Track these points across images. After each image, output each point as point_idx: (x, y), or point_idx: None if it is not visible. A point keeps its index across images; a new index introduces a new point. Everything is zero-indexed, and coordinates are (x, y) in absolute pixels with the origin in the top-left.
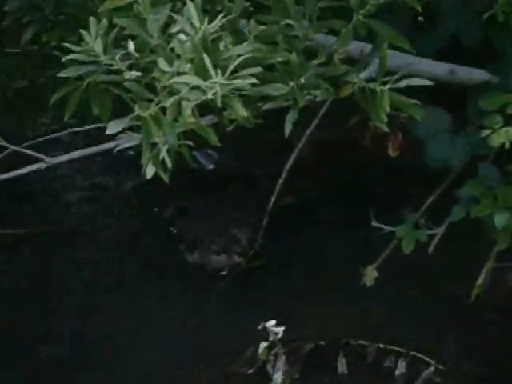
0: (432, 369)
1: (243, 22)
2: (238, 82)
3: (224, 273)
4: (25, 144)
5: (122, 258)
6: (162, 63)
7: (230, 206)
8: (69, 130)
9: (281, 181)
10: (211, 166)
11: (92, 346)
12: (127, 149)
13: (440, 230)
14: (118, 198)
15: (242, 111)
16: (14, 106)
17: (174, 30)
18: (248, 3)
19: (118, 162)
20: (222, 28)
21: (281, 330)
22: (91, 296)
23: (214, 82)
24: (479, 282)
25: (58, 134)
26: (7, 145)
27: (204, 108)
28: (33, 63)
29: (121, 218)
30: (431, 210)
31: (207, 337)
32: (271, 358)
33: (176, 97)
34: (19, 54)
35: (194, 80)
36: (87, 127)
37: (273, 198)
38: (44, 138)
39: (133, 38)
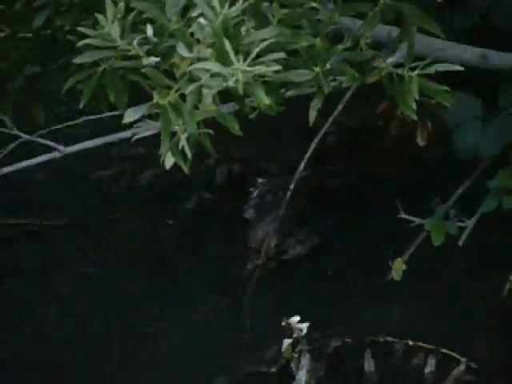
0: (463, 366)
1: (266, 5)
2: (260, 69)
3: (249, 267)
4: (38, 133)
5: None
6: (182, 48)
7: (251, 199)
8: (83, 118)
9: (300, 169)
10: None
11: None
12: (145, 138)
13: (471, 222)
14: (137, 188)
15: (264, 99)
16: (25, 93)
17: (193, 13)
18: None
19: (136, 150)
20: (244, 12)
21: (305, 326)
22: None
23: (236, 69)
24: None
25: (72, 123)
26: (20, 133)
27: (225, 95)
28: (45, 49)
29: (140, 209)
30: (462, 201)
31: (229, 334)
32: (295, 355)
33: (196, 84)
34: (31, 40)
35: (214, 66)
36: (103, 115)
37: (291, 186)
38: (58, 127)
39: (151, 22)
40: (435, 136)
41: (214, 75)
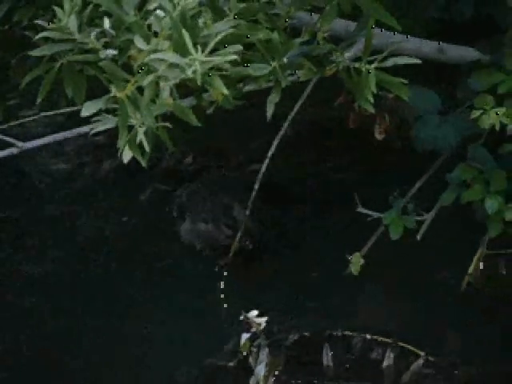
0: (421, 361)
1: None
2: (218, 59)
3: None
4: None
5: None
6: (139, 41)
7: (213, 191)
8: (42, 113)
9: (265, 165)
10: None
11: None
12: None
13: (429, 216)
14: (94, 182)
15: (223, 89)
16: None
17: (151, 6)
18: None
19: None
20: (201, 4)
21: (263, 320)
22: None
23: (194, 59)
24: (470, 270)
25: (30, 118)
26: None
27: (183, 90)
28: (3, 44)
29: (98, 202)
30: (420, 195)
31: (185, 328)
32: (254, 349)
33: (154, 75)
34: None
35: (172, 57)
36: (61, 110)
37: (256, 186)
38: (16, 122)
39: (108, 15)
40: (393, 129)
41: (171, 66)
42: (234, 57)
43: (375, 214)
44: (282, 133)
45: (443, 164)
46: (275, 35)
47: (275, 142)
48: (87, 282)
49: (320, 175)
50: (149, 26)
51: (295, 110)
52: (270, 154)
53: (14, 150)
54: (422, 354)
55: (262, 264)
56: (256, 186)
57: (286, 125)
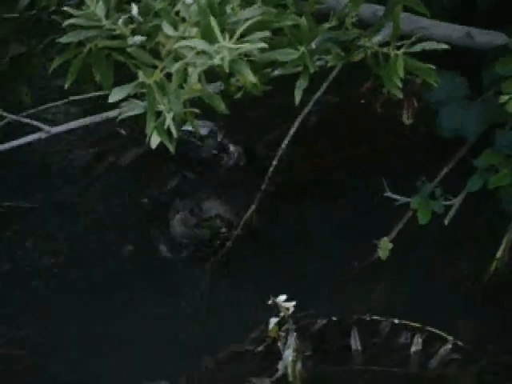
0: (450, 345)
1: None
2: (246, 46)
3: (227, 243)
4: (24, 113)
5: (117, 231)
6: (167, 27)
7: (232, 174)
8: (69, 98)
9: (283, 145)
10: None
11: (92, 325)
12: (130, 117)
13: (457, 201)
14: (118, 169)
15: (250, 76)
16: (10, 73)
17: None
18: None
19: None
20: None
21: (292, 304)
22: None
23: (222, 46)
24: (498, 254)
25: (58, 103)
26: (5, 114)
27: (211, 75)
28: (30, 29)
29: (120, 190)
30: (447, 179)
31: (212, 314)
32: (282, 334)
33: (182, 62)
34: (16, 20)
35: (200, 44)
36: (89, 95)
37: (274, 162)
38: (44, 107)
39: (136, 1)
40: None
41: (199, 53)
42: (263, 44)
43: (402, 199)
44: (300, 119)
45: (470, 149)
46: (303, 20)
47: (294, 127)
48: (93, 274)
49: (339, 161)
50: (177, 13)
51: (316, 96)
52: (285, 141)
53: (41, 135)
54: (450, 338)
55: (285, 249)
56: (268, 175)
57: (305, 110)
